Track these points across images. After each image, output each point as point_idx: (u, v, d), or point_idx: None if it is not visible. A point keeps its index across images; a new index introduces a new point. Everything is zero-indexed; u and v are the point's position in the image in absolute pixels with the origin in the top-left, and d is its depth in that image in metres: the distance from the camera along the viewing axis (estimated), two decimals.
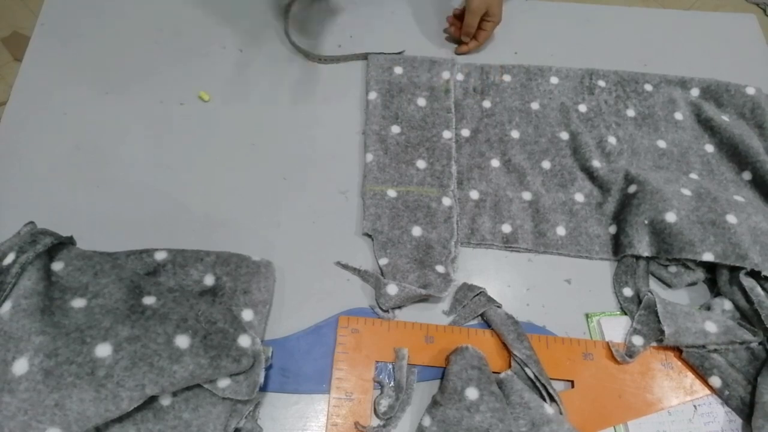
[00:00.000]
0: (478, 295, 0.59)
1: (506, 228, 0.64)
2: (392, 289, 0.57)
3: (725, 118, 0.73)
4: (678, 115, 0.74)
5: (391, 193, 0.65)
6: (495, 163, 0.69)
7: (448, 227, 0.63)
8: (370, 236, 0.62)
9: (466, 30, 0.75)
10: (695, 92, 0.76)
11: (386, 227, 0.62)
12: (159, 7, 0.79)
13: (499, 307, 0.58)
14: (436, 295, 0.58)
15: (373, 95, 0.72)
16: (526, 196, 0.67)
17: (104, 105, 0.70)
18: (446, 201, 0.65)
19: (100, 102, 0.70)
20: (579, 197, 0.67)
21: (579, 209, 0.66)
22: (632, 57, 0.80)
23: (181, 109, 0.71)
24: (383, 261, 0.60)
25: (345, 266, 0.61)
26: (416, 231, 0.62)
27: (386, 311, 0.58)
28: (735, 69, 0.78)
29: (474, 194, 0.66)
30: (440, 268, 0.60)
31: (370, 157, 0.67)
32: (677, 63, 0.79)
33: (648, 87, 0.76)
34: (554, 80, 0.76)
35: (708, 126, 0.73)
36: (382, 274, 0.60)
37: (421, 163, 0.67)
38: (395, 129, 0.70)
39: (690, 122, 0.74)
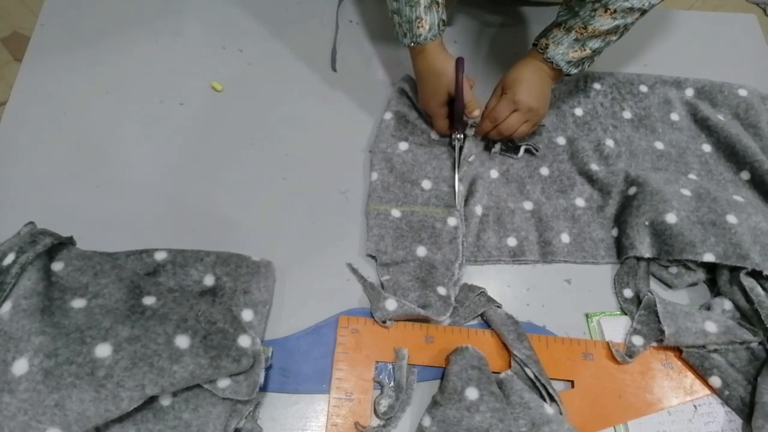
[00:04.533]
0: (478, 295, 0.59)
1: (512, 241, 0.63)
2: (391, 304, 0.56)
3: (721, 117, 0.73)
4: (674, 116, 0.74)
5: (396, 213, 0.64)
6: (493, 173, 0.68)
7: (453, 248, 0.61)
8: (373, 257, 0.61)
9: (494, 115, 0.65)
10: (690, 92, 0.76)
11: (390, 248, 0.61)
12: (159, 7, 0.79)
13: (499, 307, 0.58)
14: (433, 318, 0.57)
15: (388, 116, 0.70)
16: (528, 205, 0.66)
17: (104, 105, 0.70)
18: (452, 221, 0.63)
19: (100, 102, 0.70)
20: (580, 202, 0.67)
21: (581, 214, 0.66)
22: (632, 57, 0.80)
23: (181, 109, 0.71)
24: (385, 277, 0.59)
25: (354, 270, 0.60)
26: (421, 251, 0.61)
27: (384, 321, 0.57)
28: (735, 69, 0.78)
29: (478, 209, 0.65)
30: (442, 290, 0.58)
31: (375, 175, 0.66)
32: (677, 63, 0.79)
33: (643, 88, 0.76)
34: None
35: (705, 126, 0.73)
36: (382, 287, 0.59)
37: (426, 184, 0.66)
38: (403, 146, 0.68)
39: (686, 122, 0.74)
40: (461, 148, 0.67)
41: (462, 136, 0.67)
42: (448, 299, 0.58)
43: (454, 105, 0.64)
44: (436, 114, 0.67)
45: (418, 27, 0.60)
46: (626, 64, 0.78)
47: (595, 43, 0.60)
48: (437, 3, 0.61)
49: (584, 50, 0.61)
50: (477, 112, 0.66)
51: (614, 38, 0.60)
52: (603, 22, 0.58)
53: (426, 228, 0.63)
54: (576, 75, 0.65)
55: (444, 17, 0.62)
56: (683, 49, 0.81)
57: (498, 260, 0.62)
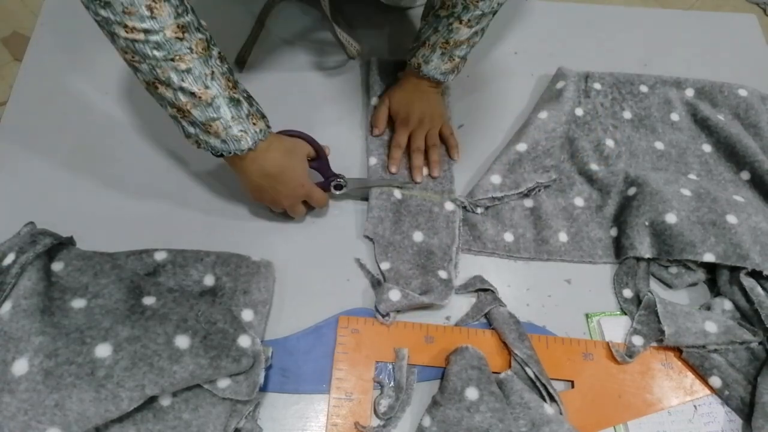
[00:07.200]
0: (487, 293, 0.59)
1: (508, 236, 0.63)
2: (395, 294, 0.56)
3: (721, 117, 0.73)
4: (674, 116, 0.74)
5: (397, 194, 0.64)
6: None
7: (449, 233, 0.62)
8: (370, 239, 0.62)
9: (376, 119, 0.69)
10: (690, 92, 0.75)
11: (388, 231, 0.62)
12: None
13: (503, 306, 0.58)
14: (437, 303, 0.57)
15: (375, 100, 0.71)
16: (528, 203, 0.66)
17: (104, 105, 0.70)
18: (449, 206, 0.64)
19: (100, 102, 0.70)
20: (579, 201, 0.67)
21: (579, 213, 0.66)
22: (632, 57, 0.80)
23: None
24: (385, 265, 0.60)
25: (362, 266, 0.61)
26: (417, 236, 0.62)
27: (386, 315, 0.57)
28: (735, 69, 0.78)
29: (479, 210, 0.65)
30: (443, 274, 0.59)
31: (373, 160, 0.67)
32: (677, 63, 0.79)
33: (643, 88, 0.75)
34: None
35: (705, 126, 0.73)
36: (384, 278, 0.59)
37: (425, 170, 0.67)
38: None
39: (686, 122, 0.74)
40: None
41: (342, 180, 0.63)
42: (449, 282, 0.59)
43: (318, 162, 0.62)
44: (310, 190, 0.59)
45: (253, 124, 0.53)
46: (626, 64, 0.78)
47: (461, 51, 0.63)
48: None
49: (453, 60, 0.63)
50: (328, 150, 0.62)
51: (477, 39, 0.63)
52: (462, 33, 0.60)
53: (423, 212, 0.64)
54: (451, 80, 0.66)
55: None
56: (683, 49, 0.81)
57: (492, 253, 0.63)
